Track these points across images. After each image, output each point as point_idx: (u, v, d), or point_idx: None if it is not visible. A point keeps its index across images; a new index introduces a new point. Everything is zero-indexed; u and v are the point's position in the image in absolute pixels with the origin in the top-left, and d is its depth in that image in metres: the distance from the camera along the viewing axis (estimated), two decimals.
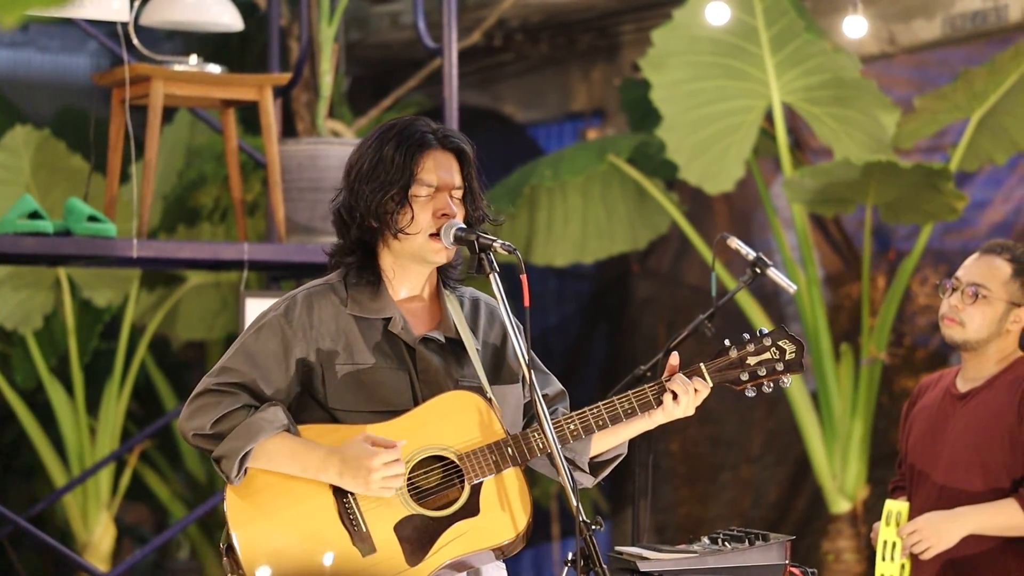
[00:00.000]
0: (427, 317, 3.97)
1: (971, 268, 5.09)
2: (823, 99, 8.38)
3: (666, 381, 3.93)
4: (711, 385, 3.95)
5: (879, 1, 8.90)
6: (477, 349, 3.95)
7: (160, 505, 10.68)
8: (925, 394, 5.24)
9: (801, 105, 8.47)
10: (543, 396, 4.01)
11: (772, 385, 3.97)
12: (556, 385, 4.10)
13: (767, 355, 3.96)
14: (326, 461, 3.77)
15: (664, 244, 10.13)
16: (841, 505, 8.67)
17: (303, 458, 3.79)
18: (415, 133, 3.90)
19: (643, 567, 4.25)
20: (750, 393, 3.97)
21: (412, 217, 3.86)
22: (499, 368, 4.00)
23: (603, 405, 3.88)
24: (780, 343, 3.96)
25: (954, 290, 5.09)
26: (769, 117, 8.58)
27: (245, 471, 3.81)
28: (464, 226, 3.87)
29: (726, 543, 4.33)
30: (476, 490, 3.80)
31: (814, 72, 8.32)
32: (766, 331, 3.97)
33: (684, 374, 3.94)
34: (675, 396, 3.93)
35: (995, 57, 8.01)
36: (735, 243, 5.57)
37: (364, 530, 3.78)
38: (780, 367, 3.95)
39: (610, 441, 4.03)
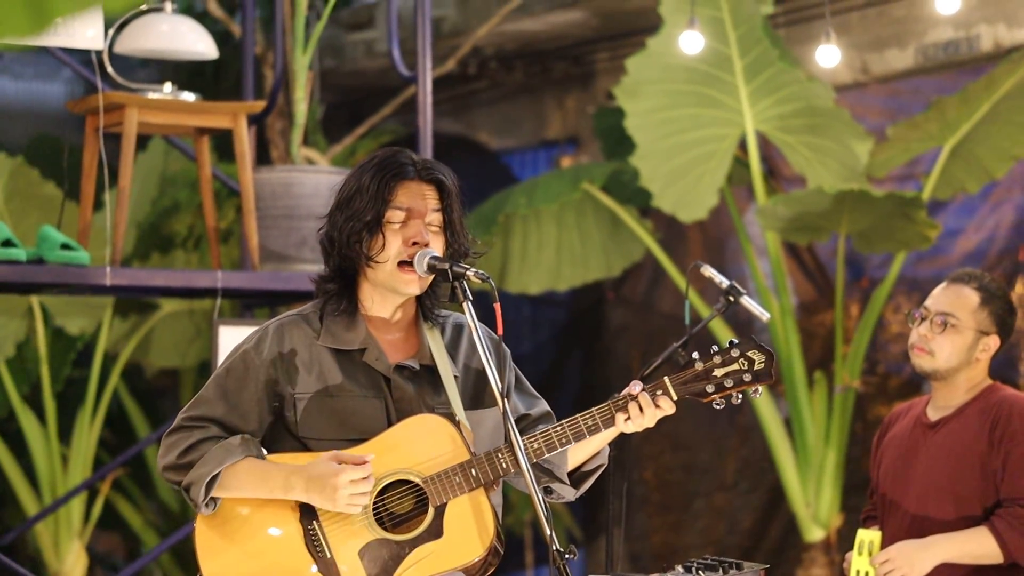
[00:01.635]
0: (404, 345, 3.99)
1: (939, 297, 5.10)
2: (796, 128, 8.41)
3: (629, 398, 3.91)
4: (675, 398, 3.92)
5: (852, 30, 8.94)
6: (456, 376, 3.97)
7: (133, 534, 10.63)
8: (896, 423, 5.25)
9: (775, 134, 8.49)
10: (526, 416, 4.04)
11: (740, 396, 3.93)
12: (542, 407, 4.10)
13: (735, 366, 3.90)
14: (291, 478, 3.79)
15: (638, 272, 10.14)
16: (815, 533, 8.67)
17: (270, 478, 3.81)
18: (394, 163, 3.94)
19: None
20: (717, 405, 3.92)
21: (383, 245, 3.88)
22: (480, 392, 4.01)
23: (567, 423, 3.88)
24: (748, 353, 3.91)
25: (923, 320, 5.11)
26: (743, 145, 8.61)
27: (214, 501, 3.83)
28: (437, 255, 3.88)
29: (700, 572, 4.32)
30: (440, 512, 3.81)
31: (788, 101, 8.35)
32: (735, 342, 3.93)
33: (648, 388, 3.92)
34: (639, 410, 3.89)
35: (967, 87, 8.05)
36: (709, 271, 5.58)
37: (329, 556, 3.80)
38: (748, 377, 3.90)
39: (586, 451, 4.02)
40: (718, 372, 3.91)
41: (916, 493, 5.04)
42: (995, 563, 4.91)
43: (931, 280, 5.51)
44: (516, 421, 3.96)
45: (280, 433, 3.92)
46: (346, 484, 3.73)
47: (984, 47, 8.61)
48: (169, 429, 3.93)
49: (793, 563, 8.91)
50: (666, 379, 3.92)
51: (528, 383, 4.13)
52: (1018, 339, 8.20)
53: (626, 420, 3.89)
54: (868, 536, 5.01)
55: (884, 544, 5.00)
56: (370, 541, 3.81)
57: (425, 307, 4.02)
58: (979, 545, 4.89)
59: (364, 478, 3.74)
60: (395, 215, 3.90)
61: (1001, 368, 5.26)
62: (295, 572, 3.81)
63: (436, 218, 3.94)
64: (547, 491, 4.03)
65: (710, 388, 3.91)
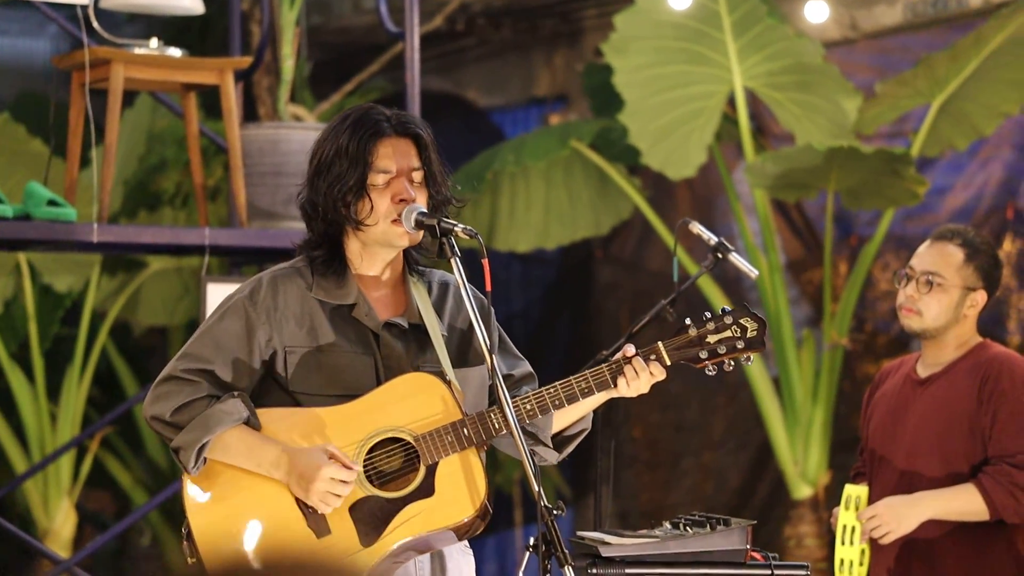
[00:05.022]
0: (392, 303, 3.98)
1: (924, 256, 5.10)
2: (785, 84, 8.39)
3: (623, 361, 3.91)
4: (668, 364, 3.93)
5: None
6: (443, 333, 3.96)
7: (122, 492, 10.64)
8: (886, 380, 5.26)
9: (763, 90, 8.47)
10: (509, 376, 4.03)
11: (733, 363, 3.96)
12: (524, 367, 4.09)
13: (727, 333, 3.94)
14: (279, 460, 3.80)
15: (626, 229, 10.13)
16: (803, 491, 8.69)
17: (258, 453, 3.81)
18: (369, 122, 3.91)
19: (605, 552, 4.25)
20: (710, 371, 3.96)
21: (371, 207, 3.86)
22: (465, 351, 4.02)
23: (560, 385, 3.88)
24: (741, 321, 3.94)
25: (909, 280, 5.10)
26: (731, 102, 8.59)
27: (203, 461, 3.83)
28: (425, 210, 3.87)
29: (688, 528, 4.34)
30: (432, 471, 3.81)
31: (776, 57, 8.32)
32: (728, 310, 3.96)
33: (642, 353, 3.93)
34: (634, 374, 3.91)
35: (956, 43, 8.03)
36: (697, 228, 5.57)
37: (319, 512, 3.79)
38: (740, 344, 3.94)
39: (571, 415, 4.02)
40: (711, 339, 3.94)
41: (905, 449, 5.05)
42: (981, 520, 4.92)
43: (919, 237, 5.51)
44: None
45: (270, 386, 3.92)
46: (326, 479, 3.73)
47: (973, 3, 8.58)
48: (161, 377, 3.91)
49: (781, 520, 8.93)
50: (660, 344, 3.95)
51: (511, 343, 4.12)
52: (1006, 296, 8.20)
53: (623, 383, 3.89)
54: (855, 491, 5.02)
55: (872, 500, 5.01)
56: (360, 498, 3.80)
57: (411, 260, 4.01)
58: (966, 502, 4.91)
59: (344, 481, 3.75)
60: (378, 176, 3.88)
61: (989, 326, 5.26)
62: (285, 527, 3.81)
63: (418, 173, 3.93)
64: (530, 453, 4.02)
65: (703, 354, 3.94)
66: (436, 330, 3.94)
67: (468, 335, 4.01)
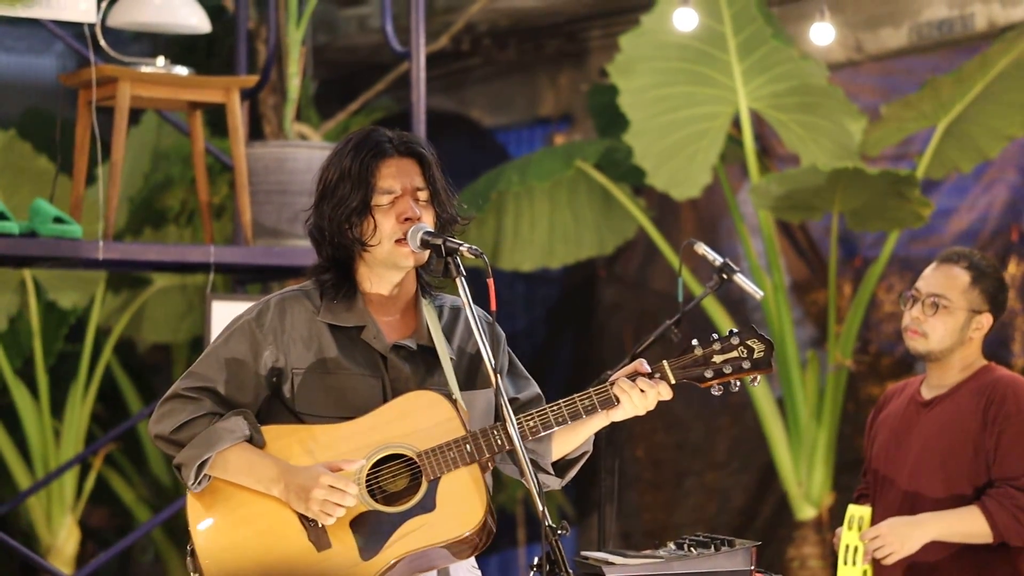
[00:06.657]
0: (402, 325, 3.98)
1: (930, 279, 5.10)
2: (790, 106, 8.40)
3: (628, 378, 3.91)
4: (673, 383, 3.92)
5: (846, 9, 8.93)
6: (451, 357, 3.96)
7: (125, 508, 10.64)
8: (890, 402, 5.26)
9: (768, 112, 8.49)
10: (515, 400, 4.02)
11: (739, 384, 3.93)
12: (532, 390, 4.09)
13: (734, 354, 3.90)
14: (278, 476, 3.81)
15: (631, 249, 10.14)
16: (806, 512, 8.68)
17: (258, 470, 3.82)
18: (371, 143, 3.92)
19: (609, 572, 4.25)
20: (715, 392, 3.93)
21: (375, 227, 3.87)
22: (473, 374, 4.01)
23: (564, 403, 3.88)
24: (748, 342, 3.91)
25: (915, 302, 5.10)
26: (736, 123, 8.60)
27: (206, 478, 3.84)
28: (431, 230, 3.88)
29: (692, 548, 4.33)
30: (434, 486, 3.82)
31: (781, 79, 8.34)
32: (735, 331, 3.93)
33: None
34: (640, 391, 3.89)
35: (962, 66, 8.05)
36: (702, 249, 5.58)
37: (320, 526, 3.80)
38: (747, 365, 3.90)
39: (572, 441, 4.02)
40: (717, 359, 3.91)
41: (908, 471, 5.05)
42: (985, 542, 4.92)
43: (924, 259, 5.52)
44: None
45: (277, 407, 3.92)
46: (324, 487, 3.74)
47: (978, 26, 8.60)
48: (165, 396, 3.93)
49: (784, 541, 8.93)
50: (665, 363, 3.92)
51: (521, 365, 4.12)
52: (1011, 319, 8.21)
53: (627, 399, 3.87)
54: (858, 511, 5.01)
55: (875, 521, 5.00)
56: (362, 513, 3.81)
57: (423, 282, 4.02)
58: (969, 524, 4.90)
59: (342, 491, 3.76)
60: (382, 196, 3.89)
61: (994, 348, 5.27)
62: (286, 540, 3.82)
63: (423, 192, 3.93)
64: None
65: (708, 373, 3.91)
66: (444, 352, 3.94)
67: (477, 359, 4.00)
